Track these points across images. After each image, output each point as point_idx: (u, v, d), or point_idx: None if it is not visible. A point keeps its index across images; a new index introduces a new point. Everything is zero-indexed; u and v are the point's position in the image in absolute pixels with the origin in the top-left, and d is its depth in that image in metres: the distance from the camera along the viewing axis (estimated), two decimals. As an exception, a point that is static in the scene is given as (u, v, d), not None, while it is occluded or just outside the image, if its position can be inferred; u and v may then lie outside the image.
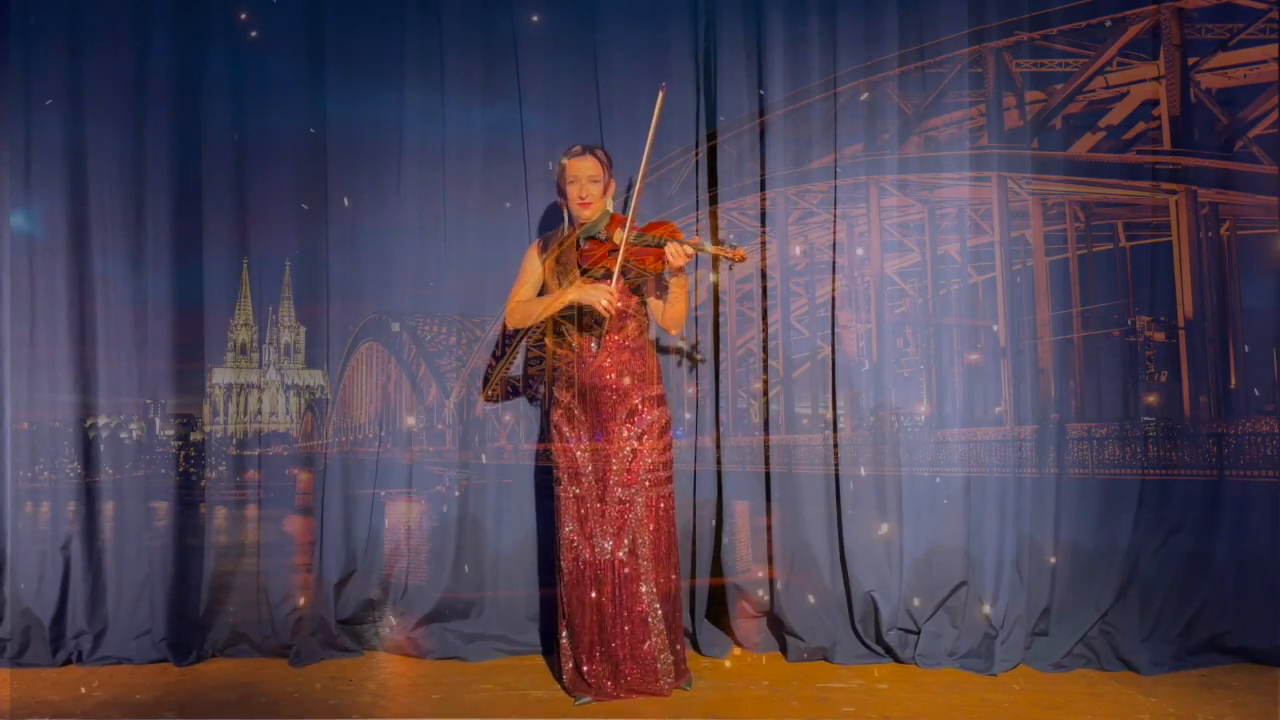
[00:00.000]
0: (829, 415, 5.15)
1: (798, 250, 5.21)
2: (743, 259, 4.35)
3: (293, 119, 5.24)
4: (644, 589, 4.45)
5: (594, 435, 4.50)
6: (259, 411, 5.38)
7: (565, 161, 4.56)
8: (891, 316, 5.18)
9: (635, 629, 4.43)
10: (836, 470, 5.10)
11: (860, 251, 5.19)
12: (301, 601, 5.09)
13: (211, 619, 5.07)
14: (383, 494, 5.23)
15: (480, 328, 5.31)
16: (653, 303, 4.59)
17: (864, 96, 5.17)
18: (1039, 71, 5.19)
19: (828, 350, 5.15)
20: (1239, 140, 5.03)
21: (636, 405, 4.51)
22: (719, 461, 5.18)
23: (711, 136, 5.23)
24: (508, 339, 5.26)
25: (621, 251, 4.38)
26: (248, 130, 5.22)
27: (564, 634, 4.51)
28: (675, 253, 4.33)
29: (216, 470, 5.25)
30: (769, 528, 5.12)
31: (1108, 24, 5.12)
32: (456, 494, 5.24)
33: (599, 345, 4.49)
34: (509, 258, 5.21)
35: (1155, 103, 5.10)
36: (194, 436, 5.25)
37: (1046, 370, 5.11)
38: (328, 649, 5.00)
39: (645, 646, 4.44)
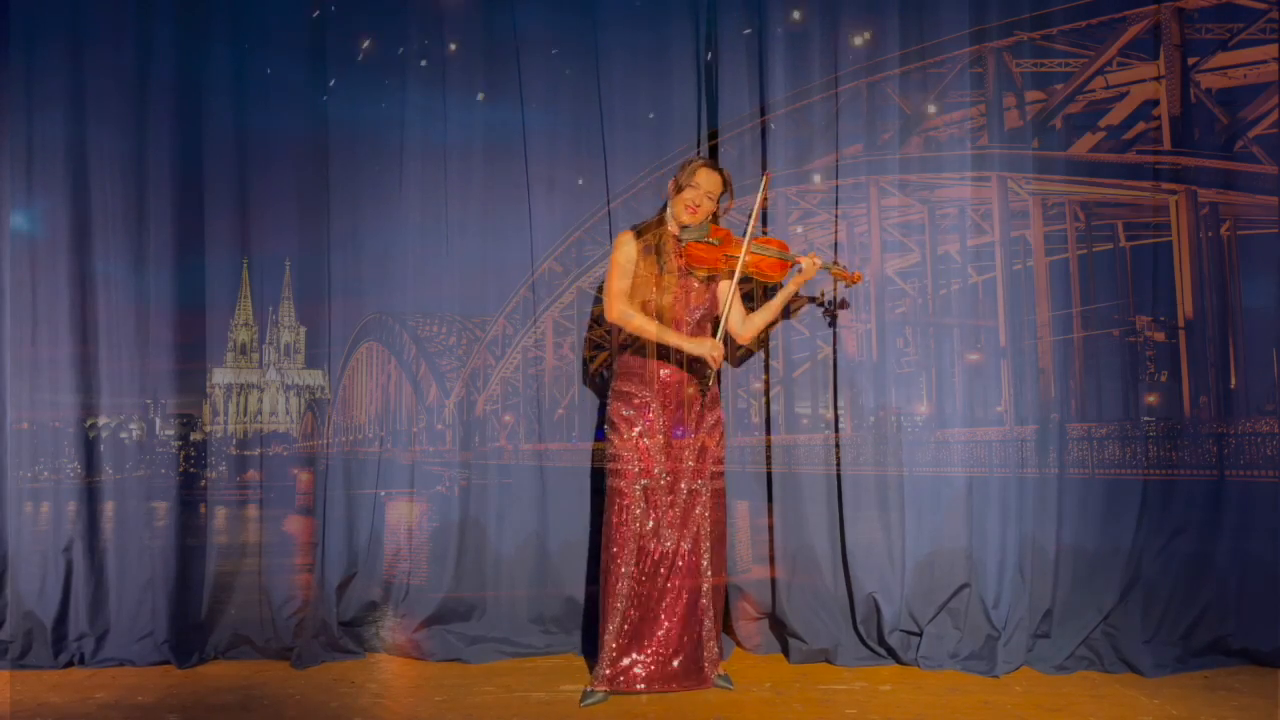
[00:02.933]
0: (829, 415, 5.16)
1: (798, 250, 5.19)
2: (859, 281, 4.86)
3: (293, 119, 5.24)
4: (703, 582, 4.57)
5: (671, 429, 4.61)
6: (259, 411, 5.38)
7: (698, 167, 4.65)
8: (891, 316, 5.18)
9: (692, 620, 4.55)
10: (838, 470, 5.11)
11: (860, 254, 5.20)
12: (303, 603, 5.09)
13: (213, 621, 5.07)
14: (383, 494, 5.23)
15: (480, 328, 5.31)
16: (730, 311, 4.73)
17: (864, 96, 5.18)
18: (1039, 71, 5.19)
19: (828, 350, 5.16)
20: (1239, 140, 5.04)
21: (707, 403, 4.67)
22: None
23: (712, 136, 5.24)
24: (507, 341, 5.27)
25: (743, 258, 4.60)
26: (248, 130, 5.22)
27: (610, 627, 4.52)
28: (810, 267, 4.71)
29: (217, 470, 5.25)
30: (770, 528, 5.14)
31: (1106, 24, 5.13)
32: (457, 494, 5.24)
33: (707, 388, 4.65)
34: (510, 258, 5.26)
35: (1155, 103, 5.10)
36: (194, 436, 5.25)
37: (1047, 370, 5.11)
38: (329, 651, 5.00)
39: (697, 637, 4.55)
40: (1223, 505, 4.96)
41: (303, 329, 5.37)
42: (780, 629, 5.08)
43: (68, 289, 5.13)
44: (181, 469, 5.21)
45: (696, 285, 4.68)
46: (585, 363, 5.28)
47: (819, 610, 5.02)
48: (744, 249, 4.60)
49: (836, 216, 5.16)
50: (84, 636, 4.98)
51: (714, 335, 4.59)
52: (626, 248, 4.65)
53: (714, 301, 4.76)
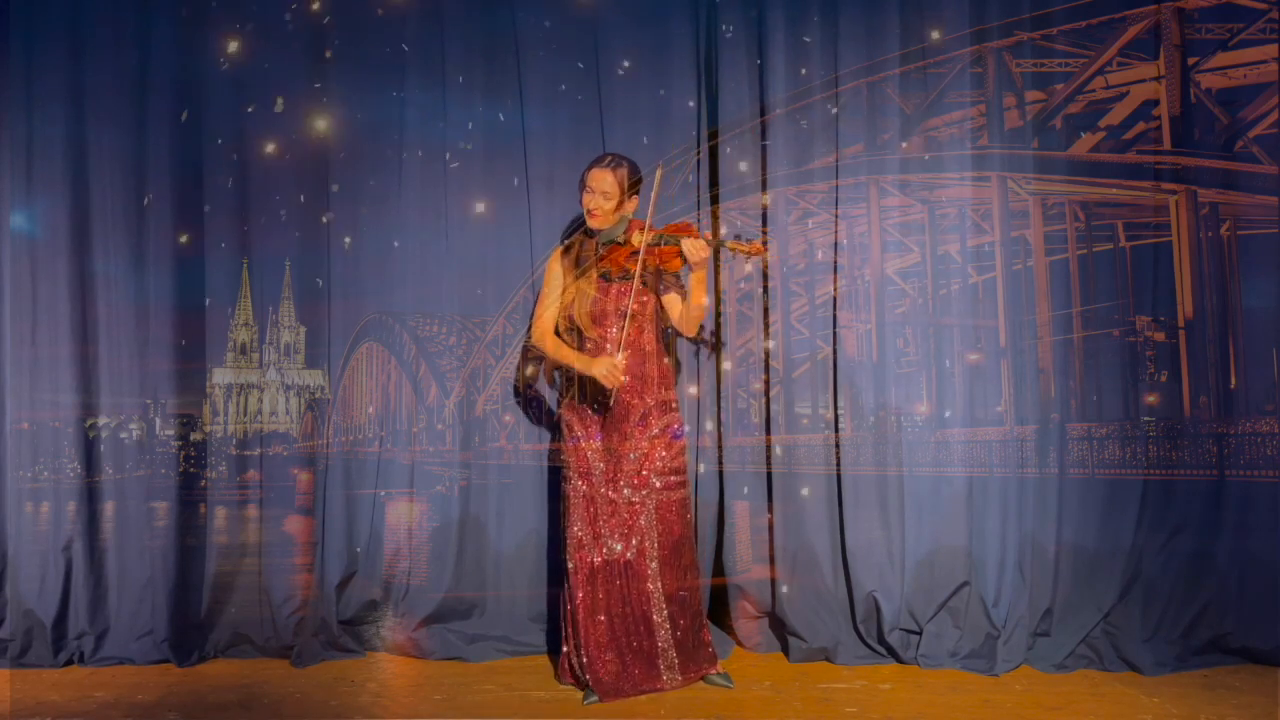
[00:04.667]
0: (829, 415, 5.15)
1: (798, 250, 5.20)
2: (760, 253, 4.47)
3: (293, 118, 5.24)
4: (651, 588, 4.49)
5: (606, 435, 4.55)
6: (259, 411, 5.37)
7: (588, 167, 4.61)
8: (891, 316, 5.18)
9: (640, 628, 4.48)
10: (838, 470, 5.11)
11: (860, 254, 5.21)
12: (303, 602, 5.09)
13: (213, 620, 5.07)
14: (383, 494, 5.23)
15: (480, 328, 5.31)
16: (669, 305, 4.67)
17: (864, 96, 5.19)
18: (1039, 71, 5.19)
19: (828, 350, 5.16)
20: (1239, 140, 5.04)
21: (649, 408, 4.57)
22: (720, 461, 5.18)
23: (712, 136, 5.23)
24: (507, 341, 5.28)
25: (641, 254, 4.43)
26: (248, 129, 5.21)
27: (569, 632, 4.52)
28: (692, 248, 4.38)
29: (217, 470, 5.24)
30: (770, 528, 5.13)
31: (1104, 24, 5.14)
32: (457, 494, 5.23)
33: (606, 408, 4.55)
34: (509, 258, 5.25)
35: (1155, 103, 5.11)
36: (194, 436, 5.24)
37: (1047, 370, 5.11)
38: (329, 650, 5.00)
39: (649, 645, 4.49)
40: (1223, 505, 4.96)
41: (303, 329, 5.36)
42: (780, 628, 5.08)
43: (67, 288, 5.12)
44: (181, 469, 5.20)
45: (615, 289, 4.58)
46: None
47: (819, 609, 5.02)
48: (642, 244, 4.44)
49: (836, 216, 5.17)
50: (84, 635, 4.98)
51: (620, 334, 4.52)
52: (552, 267, 4.71)
53: (650, 301, 4.63)
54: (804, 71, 5.20)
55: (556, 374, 5.02)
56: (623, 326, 4.52)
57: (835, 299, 5.14)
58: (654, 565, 4.50)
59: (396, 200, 5.26)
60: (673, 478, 4.59)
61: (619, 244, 4.55)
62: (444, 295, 5.30)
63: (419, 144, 5.26)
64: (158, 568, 5.04)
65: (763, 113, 5.21)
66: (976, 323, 5.17)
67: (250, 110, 5.22)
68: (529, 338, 4.94)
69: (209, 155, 5.19)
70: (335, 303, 5.25)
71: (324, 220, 5.24)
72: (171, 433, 5.20)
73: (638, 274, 4.46)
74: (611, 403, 4.51)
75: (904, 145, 5.17)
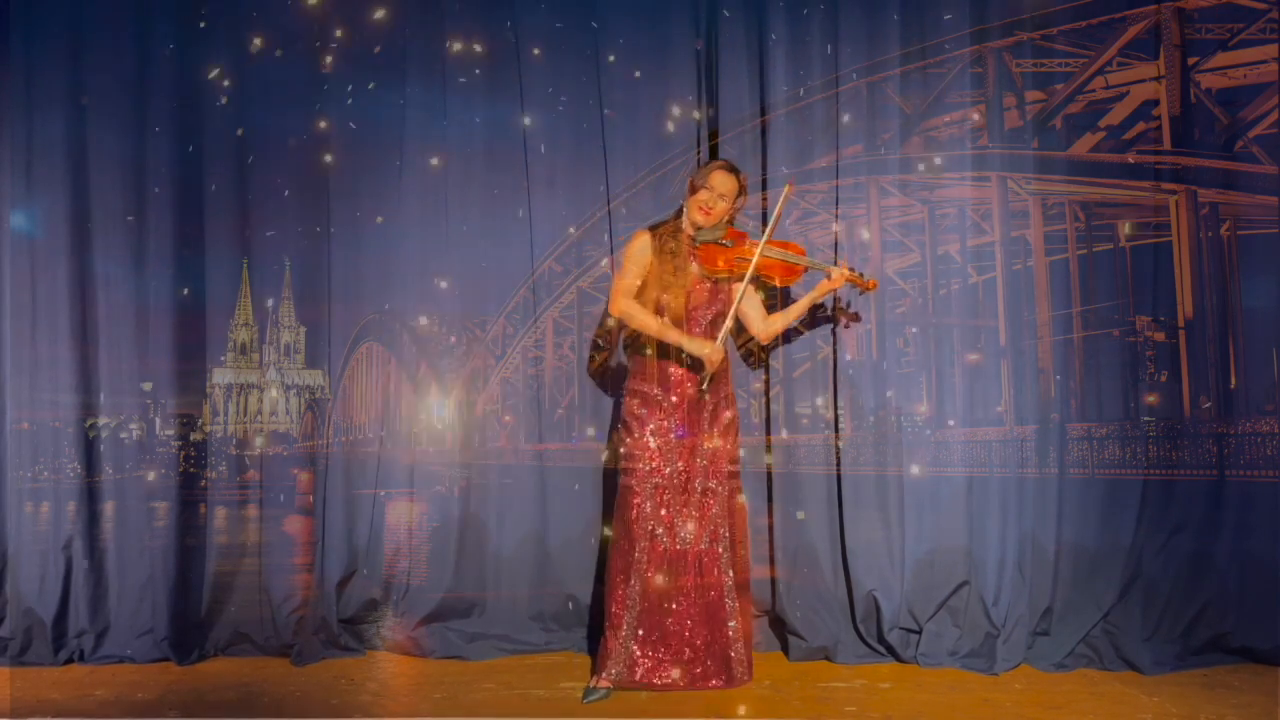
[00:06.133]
0: (829, 415, 5.15)
1: (798, 250, 5.20)
2: (875, 288, 4.80)
3: (293, 119, 5.24)
4: (724, 578, 4.55)
5: (681, 428, 4.58)
6: (259, 411, 5.38)
7: (714, 168, 4.64)
8: (891, 316, 5.18)
9: (712, 619, 4.51)
10: (838, 470, 5.11)
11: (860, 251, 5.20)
12: (303, 601, 5.09)
13: (213, 619, 5.07)
14: (383, 494, 5.23)
15: (480, 328, 5.32)
16: (747, 311, 4.79)
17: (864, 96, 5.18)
18: (1039, 71, 5.20)
19: (828, 350, 5.16)
20: (1239, 140, 5.04)
21: (720, 400, 4.65)
22: (720, 461, 5.18)
23: (713, 136, 5.24)
24: (508, 341, 5.28)
25: (755, 261, 4.55)
26: (248, 130, 5.21)
27: (624, 624, 4.49)
28: (840, 277, 4.71)
29: (217, 470, 5.24)
30: (770, 527, 5.13)
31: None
32: (457, 494, 5.23)
33: (704, 390, 4.59)
34: (509, 258, 5.26)
35: (1155, 103, 5.11)
36: (194, 436, 5.24)
37: (1047, 370, 5.12)
38: (329, 648, 4.99)
39: (721, 635, 4.52)
40: (1223, 505, 4.97)
41: (303, 329, 5.37)
42: (780, 627, 5.08)
43: (68, 288, 5.12)
44: (181, 469, 5.20)
45: (709, 286, 4.65)
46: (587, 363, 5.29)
47: (819, 608, 5.01)
48: (757, 252, 4.56)
49: (836, 216, 5.17)
50: (84, 633, 4.98)
51: (719, 335, 4.55)
52: (640, 243, 4.65)
53: (729, 303, 4.66)
54: (804, 71, 5.21)
55: (624, 357, 5.00)
56: (711, 321, 4.64)
57: (836, 299, 5.13)
58: (725, 555, 4.56)
59: (397, 200, 5.26)
60: (735, 467, 4.71)
61: (721, 245, 4.62)
62: (444, 295, 5.30)
63: (419, 144, 5.27)
64: (158, 567, 5.05)
65: (763, 113, 5.21)
66: (976, 323, 5.17)
67: (251, 110, 5.22)
68: (607, 315, 5.07)
69: (209, 155, 5.19)
70: (335, 303, 5.25)
71: (324, 220, 5.23)
72: (171, 433, 5.21)
73: (748, 278, 4.56)
74: (705, 385, 4.56)
75: (904, 146, 5.17)
